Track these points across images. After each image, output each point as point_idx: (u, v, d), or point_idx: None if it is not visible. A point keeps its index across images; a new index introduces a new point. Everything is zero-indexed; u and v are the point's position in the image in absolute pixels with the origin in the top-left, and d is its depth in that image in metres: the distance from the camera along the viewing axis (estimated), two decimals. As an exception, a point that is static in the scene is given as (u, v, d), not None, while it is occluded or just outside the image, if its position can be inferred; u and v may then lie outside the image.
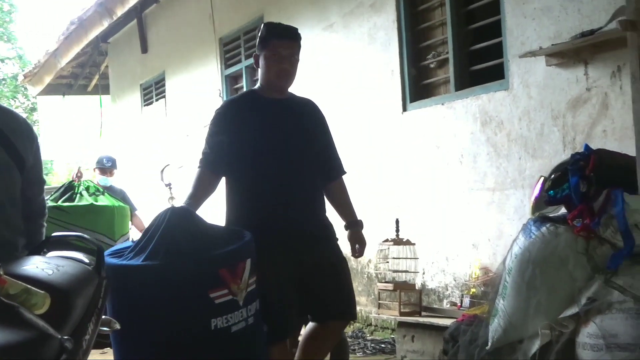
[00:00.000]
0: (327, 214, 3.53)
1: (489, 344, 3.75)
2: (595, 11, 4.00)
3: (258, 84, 3.46)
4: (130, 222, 5.72)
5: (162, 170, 3.50)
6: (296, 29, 3.41)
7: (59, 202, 4.87)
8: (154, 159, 10.29)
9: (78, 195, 4.97)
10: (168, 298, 2.93)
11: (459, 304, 5.00)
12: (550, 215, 3.81)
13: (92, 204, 4.88)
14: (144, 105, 11.25)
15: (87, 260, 2.42)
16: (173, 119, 10.09)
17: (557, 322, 3.50)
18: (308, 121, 3.48)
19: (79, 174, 5.13)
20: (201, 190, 3.39)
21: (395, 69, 5.72)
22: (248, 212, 3.35)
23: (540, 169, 4.34)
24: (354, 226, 3.60)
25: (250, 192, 3.37)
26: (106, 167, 6.93)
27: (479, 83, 5.06)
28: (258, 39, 3.38)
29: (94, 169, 7.04)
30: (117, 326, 2.52)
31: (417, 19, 5.67)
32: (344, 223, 3.61)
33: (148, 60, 10.78)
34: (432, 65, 5.55)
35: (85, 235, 2.56)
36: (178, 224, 3.05)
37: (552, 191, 3.70)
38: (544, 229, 3.60)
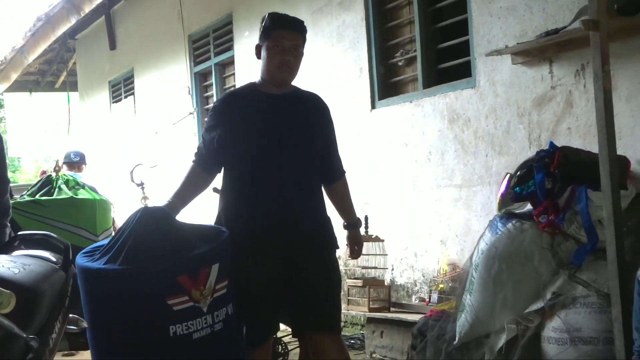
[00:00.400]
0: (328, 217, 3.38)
1: (457, 338, 3.79)
2: (559, 10, 4.05)
3: (259, 77, 3.30)
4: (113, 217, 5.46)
5: (132, 171, 3.38)
6: (302, 21, 3.27)
7: (37, 197, 4.63)
8: (123, 156, 10.23)
9: (57, 189, 4.73)
10: (127, 303, 2.89)
11: (428, 300, 5.05)
12: (516, 211, 3.86)
13: (72, 197, 4.64)
14: (113, 103, 11.16)
15: (54, 259, 2.41)
16: (142, 116, 10.03)
17: (523, 317, 3.55)
18: (310, 117, 3.30)
19: (57, 168, 4.92)
20: (190, 188, 3.28)
21: (363, 67, 5.74)
22: (237, 209, 3.23)
23: (506, 166, 4.39)
24: (353, 227, 3.52)
25: (240, 190, 3.23)
26: (74, 162, 6.73)
27: (446, 81, 5.10)
28: (261, 29, 3.23)
29: (62, 165, 6.83)
30: (85, 324, 2.51)
31: (385, 17, 5.69)
32: (342, 222, 3.53)
33: (116, 57, 10.70)
34: (400, 63, 5.58)
35: (52, 234, 2.55)
36: (148, 226, 2.99)
37: (517, 188, 3.75)
38: (509, 225, 3.66)
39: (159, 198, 3.25)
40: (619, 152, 3.43)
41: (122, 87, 10.80)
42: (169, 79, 9.06)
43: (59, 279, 2.32)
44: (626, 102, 3.72)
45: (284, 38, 3.15)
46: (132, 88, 10.38)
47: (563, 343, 3.36)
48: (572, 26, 3.66)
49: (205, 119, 3.37)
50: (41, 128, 15.32)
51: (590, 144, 3.58)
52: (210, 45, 8.30)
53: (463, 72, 4.93)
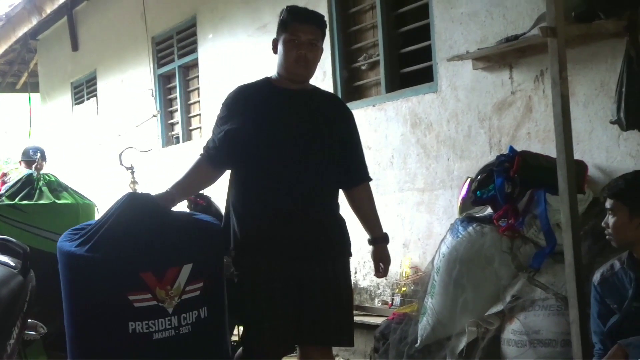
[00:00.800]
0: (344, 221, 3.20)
1: (418, 341, 3.82)
2: (519, 17, 4.10)
3: (275, 72, 3.13)
4: None
5: (121, 154, 3.25)
6: (322, 15, 3.13)
7: (16, 200, 4.30)
8: (85, 159, 10.13)
9: (37, 191, 4.37)
10: (90, 291, 2.83)
11: (390, 303, 5.08)
12: (477, 215, 3.91)
13: (53, 202, 4.29)
14: (75, 104, 11.04)
15: (12, 263, 2.38)
16: (105, 118, 9.94)
17: (483, 320, 3.60)
18: (327, 117, 3.11)
19: (38, 166, 4.56)
20: (193, 181, 3.15)
21: (327, 71, 5.76)
22: (246, 207, 3.04)
23: (467, 170, 4.44)
24: (379, 242, 3.24)
25: (251, 186, 3.04)
26: (33, 159, 6.26)
27: (409, 85, 5.14)
28: (279, 22, 3.08)
29: (20, 162, 6.32)
30: (43, 330, 2.49)
31: (348, 21, 5.72)
32: (367, 237, 3.27)
33: (79, 58, 10.58)
34: (363, 68, 5.61)
35: (11, 239, 2.52)
36: (130, 213, 2.89)
37: (478, 192, 3.79)
38: (470, 228, 3.70)
39: (169, 185, 3.09)
40: (577, 156, 3.50)
41: (84, 89, 10.69)
42: (132, 81, 8.99)
43: (17, 284, 2.29)
44: (584, 107, 3.78)
45: (301, 32, 2.99)
46: (95, 90, 10.28)
47: (522, 345, 3.41)
48: (531, 32, 3.72)
49: (140, 126, 3.25)
50: (1, 129, 15.11)
51: (549, 148, 3.64)
52: (174, 47, 8.25)
53: (425, 77, 4.97)
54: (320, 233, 3.04)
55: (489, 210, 3.87)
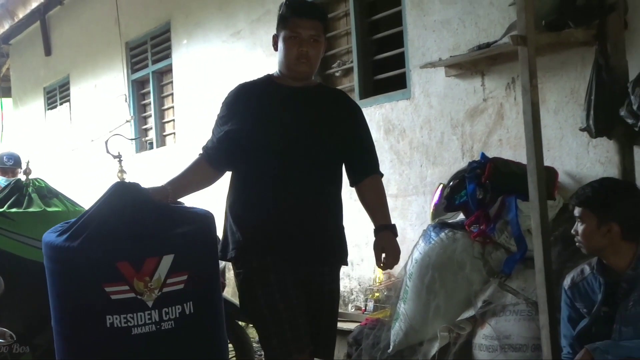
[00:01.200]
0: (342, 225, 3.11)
1: (391, 346, 3.84)
2: (491, 25, 4.15)
3: (276, 69, 2.99)
4: None
5: (107, 141, 3.08)
6: (322, 8, 3.04)
7: (5, 208, 4.06)
8: (58, 165, 10.05)
9: (27, 197, 4.12)
10: (69, 282, 2.74)
11: (363, 308, 5.09)
12: (449, 221, 3.94)
13: (44, 210, 4.03)
14: (48, 109, 10.96)
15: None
16: (78, 123, 9.87)
17: (455, 325, 3.62)
18: (331, 114, 2.97)
19: (27, 170, 4.30)
20: (191, 180, 2.98)
21: (301, 77, 5.77)
22: (246, 208, 2.91)
23: (440, 176, 4.47)
24: (381, 230, 2.99)
25: (251, 190, 2.92)
26: (7, 166, 6.17)
27: (382, 92, 5.17)
28: (278, 17, 2.94)
29: None
30: (12, 338, 2.47)
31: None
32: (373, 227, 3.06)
33: (52, 63, 10.52)
34: (337, 74, 5.63)
35: None
36: (115, 201, 2.76)
37: (450, 198, 3.82)
38: (442, 234, 3.73)
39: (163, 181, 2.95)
40: (548, 163, 3.54)
41: (57, 94, 10.62)
42: (106, 86, 8.95)
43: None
44: (554, 114, 3.83)
45: (302, 27, 2.84)
46: (68, 95, 10.21)
47: (493, 350, 3.44)
48: (502, 41, 3.76)
49: (113, 131, 3.12)
50: (-27, 135, 14.94)
51: (520, 155, 3.67)
52: (147, 52, 8.22)
53: (399, 84, 5.00)
54: (323, 237, 2.95)
55: (461, 216, 3.90)
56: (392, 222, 3.03)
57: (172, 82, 7.81)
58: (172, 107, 7.88)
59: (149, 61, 8.21)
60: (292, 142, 2.88)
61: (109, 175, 3.66)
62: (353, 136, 3.01)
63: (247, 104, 2.93)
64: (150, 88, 8.23)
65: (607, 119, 3.32)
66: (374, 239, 2.99)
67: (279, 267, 2.83)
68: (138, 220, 2.73)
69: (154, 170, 7.48)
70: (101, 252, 2.66)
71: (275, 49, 2.96)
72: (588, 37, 3.44)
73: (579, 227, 2.82)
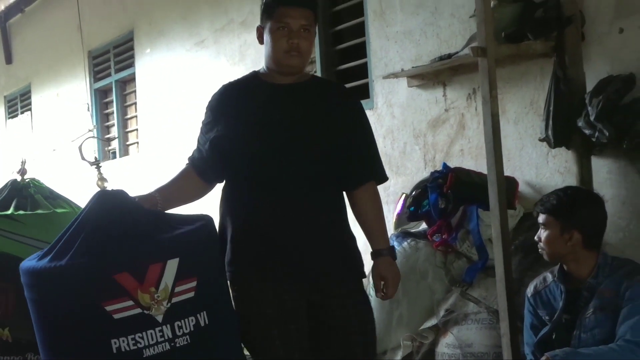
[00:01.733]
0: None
1: (354, 356, 3.85)
2: (452, 36, 4.19)
3: (263, 65, 2.71)
4: None
5: (81, 146, 2.70)
6: None
7: (12, 210, 3.77)
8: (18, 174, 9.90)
9: (29, 199, 3.84)
10: (60, 308, 2.30)
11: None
12: (412, 230, 3.97)
13: (53, 211, 3.75)
14: (9, 118, 10.82)
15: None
16: (39, 132, 9.76)
17: (418, 334, 3.64)
18: (327, 112, 2.64)
19: (23, 171, 3.99)
20: (180, 190, 2.69)
21: (265, 86, 5.77)
22: (235, 221, 2.62)
23: (403, 185, 4.49)
24: (382, 255, 2.69)
25: (239, 198, 2.63)
26: None
27: (346, 102, 5.18)
28: (262, 7, 2.67)
29: None
30: None
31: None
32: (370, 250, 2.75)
33: (13, 71, 10.39)
34: (301, 84, 5.63)
35: None
36: (101, 211, 2.38)
37: (413, 207, 3.85)
38: (405, 244, 3.75)
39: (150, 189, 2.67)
40: (508, 173, 3.59)
41: (18, 103, 10.49)
42: (68, 95, 8.87)
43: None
44: (514, 125, 3.87)
45: (290, 17, 2.55)
46: (29, 103, 10.10)
47: (456, 358, 3.47)
48: (463, 52, 3.79)
49: (76, 141, 2.77)
50: None
51: (482, 165, 3.70)
52: (110, 61, 8.17)
53: (362, 94, 5.02)
54: (326, 250, 2.60)
55: (423, 226, 3.93)
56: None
57: (135, 91, 7.76)
58: (136, 116, 7.83)
59: (111, 70, 8.15)
60: (283, 142, 2.58)
61: (74, 184, 3.59)
62: (350, 137, 2.65)
63: (232, 107, 2.66)
64: (113, 97, 8.17)
65: (565, 130, 3.36)
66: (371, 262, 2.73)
67: (277, 291, 2.54)
68: (132, 225, 2.36)
69: (117, 180, 7.40)
70: (95, 266, 2.26)
71: (261, 42, 2.67)
72: (547, 48, 3.49)
73: (542, 233, 2.86)
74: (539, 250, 2.91)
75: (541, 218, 2.87)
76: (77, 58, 8.46)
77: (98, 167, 2.61)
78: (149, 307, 2.27)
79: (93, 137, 2.58)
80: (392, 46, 4.64)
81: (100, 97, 8.50)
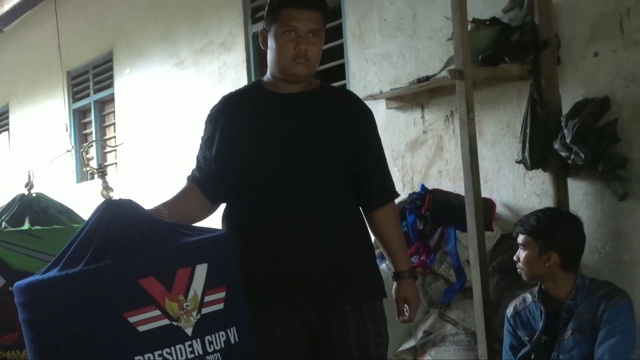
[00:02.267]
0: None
1: (332, 378, 3.83)
2: (430, 59, 4.22)
3: (267, 73, 2.48)
4: None
5: (84, 150, 2.54)
6: None
7: (28, 225, 3.51)
8: (25, 189, 9.83)
9: (43, 214, 3.60)
10: (71, 324, 1.92)
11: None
12: (390, 252, 3.95)
13: (70, 226, 3.48)
14: (-14, 138, 10.76)
15: None
16: (17, 152, 9.70)
17: (397, 355, 3.63)
18: (336, 124, 2.40)
19: (31, 185, 3.73)
20: (184, 208, 2.39)
21: (245, 108, 5.78)
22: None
23: (382, 207, 4.49)
24: (404, 277, 2.52)
25: (243, 218, 2.38)
26: None
27: (325, 123, 5.19)
28: (267, 8, 2.43)
29: None
30: None
31: (266, 59, 5.74)
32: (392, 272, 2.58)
33: (-9, 91, 10.35)
34: (280, 105, 5.64)
35: None
36: (113, 217, 2.06)
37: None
38: (383, 265, 3.74)
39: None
40: (486, 195, 3.61)
41: (-4, 122, 10.44)
42: (46, 115, 8.82)
43: None
44: (492, 146, 3.90)
45: (298, 20, 2.33)
46: (7, 123, 10.04)
47: (434, 380, 3.47)
48: (441, 74, 3.82)
49: (53, 161, 2.53)
50: None
51: (459, 186, 3.72)
52: (89, 82, 8.15)
53: (341, 115, 5.03)
54: (339, 267, 2.34)
55: (401, 247, 3.93)
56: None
57: (114, 111, 7.73)
58: (114, 137, 7.81)
59: (90, 90, 8.13)
60: (288, 157, 2.35)
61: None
62: (364, 150, 2.45)
63: (233, 120, 2.42)
64: (92, 117, 8.14)
65: (541, 152, 3.39)
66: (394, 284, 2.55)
67: (288, 317, 2.31)
68: (150, 231, 2.07)
69: (95, 201, 7.36)
70: (116, 269, 1.93)
71: (264, 47, 2.45)
72: (523, 72, 3.52)
73: (521, 254, 2.89)
74: (518, 270, 2.93)
75: (520, 238, 2.89)
76: (56, 78, 8.44)
77: (103, 175, 2.28)
78: (178, 317, 1.95)
79: (95, 141, 2.34)
80: (371, 68, 4.66)
81: (79, 118, 8.46)
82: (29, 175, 3.76)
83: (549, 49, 3.46)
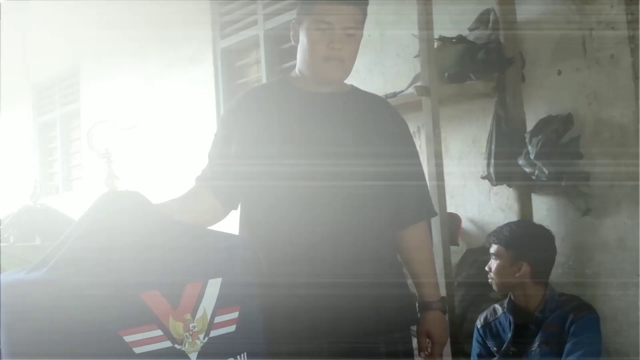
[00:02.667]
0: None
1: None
2: (397, 75, 4.25)
3: (296, 68, 2.25)
4: None
5: (90, 131, 2.01)
6: None
7: (38, 241, 3.50)
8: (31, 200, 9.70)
9: (51, 227, 3.59)
10: (64, 337, 1.57)
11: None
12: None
13: None
14: (-52, 152, 10.59)
15: None
16: (-20, 167, 9.58)
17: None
18: (372, 130, 2.20)
19: (36, 195, 3.59)
20: (193, 212, 2.05)
21: (212, 123, 5.77)
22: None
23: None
24: (430, 308, 2.25)
25: (263, 230, 2.11)
26: None
27: (293, 139, 5.19)
28: (300, 2, 2.20)
29: None
30: None
31: (234, 74, 5.77)
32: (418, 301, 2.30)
33: (-46, 104, 10.20)
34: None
35: None
36: (113, 216, 1.74)
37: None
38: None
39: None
40: (451, 210, 3.64)
41: (-41, 136, 10.29)
42: (11, 130, 8.72)
43: None
44: (458, 162, 3.93)
45: (334, 15, 2.10)
46: (-29, 137, 9.91)
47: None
48: (408, 91, 3.85)
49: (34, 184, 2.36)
50: None
51: (426, 202, 3.75)
52: (55, 95, 8.08)
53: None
54: (373, 296, 2.10)
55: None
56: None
57: (80, 125, 7.67)
58: (80, 151, 7.74)
59: (56, 104, 8.05)
60: (308, 168, 2.10)
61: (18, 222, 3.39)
62: (397, 160, 2.23)
63: (256, 119, 2.15)
64: (58, 132, 8.06)
65: (506, 168, 3.43)
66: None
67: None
68: (158, 233, 1.77)
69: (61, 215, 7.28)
70: (113, 280, 1.64)
71: (295, 41, 2.21)
72: (488, 89, 3.56)
73: (493, 264, 2.94)
74: (489, 280, 2.97)
75: (493, 249, 2.94)
76: (21, 92, 8.35)
77: (108, 161, 1.92)
78: (182, 340, 1.70)
79: (103, 121, 2.03)
80: (339, 84, 4.67)
81: (44, 132, 8.38)
82: (35, 186, 3.67)
83: (513, 66, 3.51)
